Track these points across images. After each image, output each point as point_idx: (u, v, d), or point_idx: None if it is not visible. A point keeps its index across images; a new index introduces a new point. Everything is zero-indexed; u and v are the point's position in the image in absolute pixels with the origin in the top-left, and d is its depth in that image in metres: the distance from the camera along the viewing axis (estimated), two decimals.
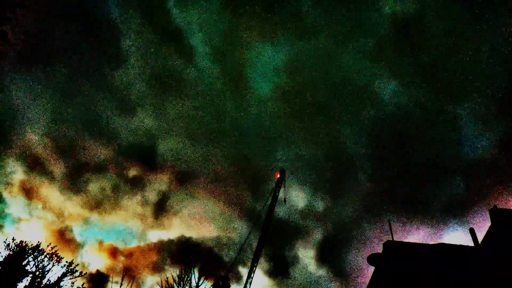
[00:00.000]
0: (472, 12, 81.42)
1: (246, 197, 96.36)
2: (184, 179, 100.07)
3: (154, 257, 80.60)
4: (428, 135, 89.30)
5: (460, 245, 19.65)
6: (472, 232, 19.84)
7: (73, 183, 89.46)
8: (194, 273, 36.17)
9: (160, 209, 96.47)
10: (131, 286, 31.58)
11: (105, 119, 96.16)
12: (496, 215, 18.99)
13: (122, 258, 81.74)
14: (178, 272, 36.81)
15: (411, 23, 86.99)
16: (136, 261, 80.00)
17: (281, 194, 46.97)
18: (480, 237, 20.16)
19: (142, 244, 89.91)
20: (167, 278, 33.86)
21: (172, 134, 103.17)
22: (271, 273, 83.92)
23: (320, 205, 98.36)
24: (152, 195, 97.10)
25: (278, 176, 47.58)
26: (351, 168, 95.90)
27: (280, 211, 52.63)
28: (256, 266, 44.87)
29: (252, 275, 44.37)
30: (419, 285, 18.52)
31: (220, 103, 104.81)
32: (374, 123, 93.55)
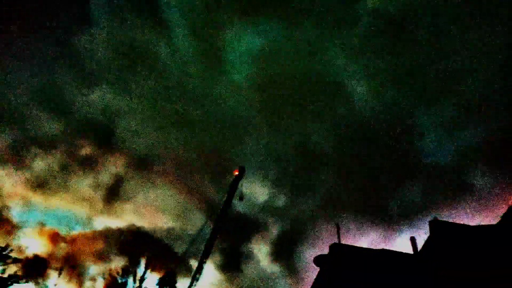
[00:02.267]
0: (455, 19, 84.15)
1: (206, 188, 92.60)
2: (142, 164, 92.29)
3: (99, 245, 76.45)
4: (394, 139, 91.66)
5: (401, 252, 20.71)
6: (413, 240, 20.95)
7: (16, 157, 79.48)
8: (140, 265, 35.27)
9: (112, 194, 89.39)
10: (71, 273, 30.12)
11: (60, 89, 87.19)
12: (435, 226, 20.15)
13: (63, 245, 76.27)
14: (124, 263, 35.74)
15: (394, 24, 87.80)
16: (79, 248, 75.41)
17: (238, 192, 46.96)
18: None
19: (87, 230, 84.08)
20: (110, 269, 32.65)
21: (134, 113, 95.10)
22: (223, 268, 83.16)
23: (280, 201, 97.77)
24: (104, 178, 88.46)
25: (237, 173, 47.54)
26: (315, 166, 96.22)
27: (239, 205, 52.09)
28: (205, 262, 44.53)
29: (200, 271, 43.97)
30: (364, 286, 19.23)
31: (191, 86, 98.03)
32: (344, 123, 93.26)
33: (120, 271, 34.38)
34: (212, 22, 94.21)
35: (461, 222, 20.69)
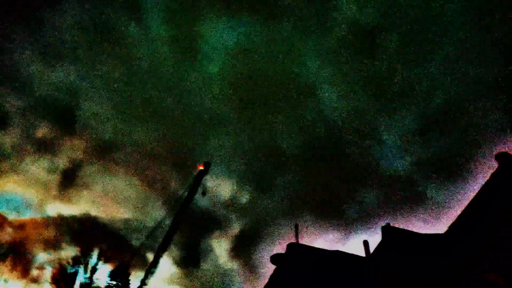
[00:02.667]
0: (426, 31, 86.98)
1: (169, 181, 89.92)
2: (103, 150, 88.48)
3: (50, 233, 72.59)
4: (356, 145, 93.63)
5: (354, 254, 21.55)
6: (366, 244, 21.84)
7: None
8: (91, 255, 34.12)
9: (68, 179, 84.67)
10: (17, 261, 28.58)
11: (20, 63, 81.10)
12: (387, 232, 21.14)
13: (10, 230, 71.56)
14: (76, 253, 34.47)
15: (367, 33, 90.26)
16: (27, 235, 71.19)
17: (201, 187, 46.71)
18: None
19: (38, 216, 79.13)
20: (59, 259, 31.31)
21: (99, 96, 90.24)
22: (181, 263, 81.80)
23: (244, 199, 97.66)
24: (61, 162, 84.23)
25: (202, 168, 47.25)
26: (280, 166, 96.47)
27: (202, 200, 51.33)
28: (162, 256, 43.87)
29: (156, 264, 43.24)
30: (316, 285, 19.82)
31: (162, 73, 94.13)
32: (311, 125, 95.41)
33: (71, 261, 33.03)
34: (190, 8, 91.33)
35: (413, 230, 21.81)
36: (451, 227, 17.98)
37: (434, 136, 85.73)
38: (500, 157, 15.20)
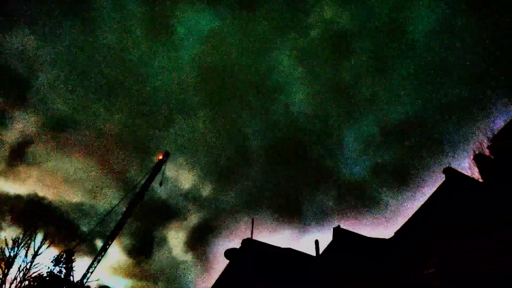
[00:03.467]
0: (397, 42, 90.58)
1: (126, 167, 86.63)
2: (58, 127, 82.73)
3: None
4: (321, 147, 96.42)
5: (305, 253, 22.26)
6: (317, 243, 22.64)
7: None
8: (35, 238, 32.34)
9: (16, 154, 78.92)
10: None
11: None
12: (338, 233, 22.11)
13: None
14: (18, 234, 32.49)
15: (341, 37, 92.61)
16: None
17: (159, 177, 45.82)
18: None
19: None
20: None
21: (58, 67, 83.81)
22: (132, 252, 79.41)
23: (204, 191, 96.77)
24: (10, 136, 78.05)
25: (161, 157, 46.31)
26: (244, 161, 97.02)
27: (159, 190, 49.88)
28: (111, 243, 42.51)
29: (104, 252, 41.84)
30: (267, 282, 20.23)
31: (131, 50, 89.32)
32: (278, 123, 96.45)
33: (11, 242, 31.08)
34: None
35: (363, 233, 22.93)
36: (397, 233, 19.15)
37: (391, 145, 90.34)
38: (446, 171, 16.42)
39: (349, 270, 19.63)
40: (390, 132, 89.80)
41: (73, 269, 34.69)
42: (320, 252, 23.02)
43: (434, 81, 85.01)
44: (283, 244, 23.80)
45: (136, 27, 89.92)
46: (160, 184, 46.00)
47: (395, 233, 19.49)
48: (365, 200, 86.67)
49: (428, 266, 15.71)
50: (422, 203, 17.33)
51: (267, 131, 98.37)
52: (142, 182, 44.95)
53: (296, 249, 23.58)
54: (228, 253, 22.86)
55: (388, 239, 20.78)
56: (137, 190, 44.93)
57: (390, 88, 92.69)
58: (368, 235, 22.98)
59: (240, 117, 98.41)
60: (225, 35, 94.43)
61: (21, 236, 32.40)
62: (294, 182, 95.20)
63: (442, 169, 16.55)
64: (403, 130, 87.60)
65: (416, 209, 18.02)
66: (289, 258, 21.55)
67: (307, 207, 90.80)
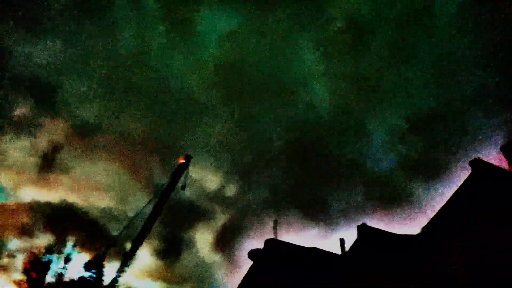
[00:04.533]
0: (422, 31, 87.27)
1: (151, 169, 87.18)
2: (84, 133, 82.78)
3: (23, 219, 70.20)
4: (345, 142, 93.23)
5: (330, 252, 21.98)
6: (342, 242, 22.30)
7: None
8: (66, 244, 33.46)
9: (45, 163, 79.36)
10: None
11: None
12: (363, 230, 21.66)
13: None
14: (50, 241, 33.70)
15: (363, 30, 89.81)
16: None
17: (182, 180, 46.32)
18: None
19: (10, 202, 75.84)
20: (31, 248, 30.53)
21: (81, 75, 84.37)
22: (162, 254, 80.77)
23: (229, 191, 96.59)
24: (38, 145, 78.17)
25: (183, 162, 46.80)
26: (267, 160, 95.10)
27: (182, 193, 50.02)
28: (139, 247, 43.37)
29: (133, 255, 42.76)
30: (291, 281, 20.13)
31: (152, 52, 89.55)
32: (300, 119, 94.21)
33: (44, 249, 32.28)
34: None
35: (391, 229, 22.39)
36: (424, 229, 18.57)
37: (417, 137, 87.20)
38: (473, 163, 15.75)
39: (375, 268, 19.23)
40: (416, 123, 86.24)
41: (104, 273, 35.74)
42: (346, 250, 22.69)
43: (460, 70, 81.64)
44: (308, 244, 23.59)
45: (156, 29, 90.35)
46: (183, 188, 46.45)
47: (422, 228, 18.92)
48: (392, 194, 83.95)
49: (456, 260, 15.15)
50: (449, 196, 16.72)
51: (289, 128, 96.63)
52: (165, 186, 45.60)
53: (321, 248, 23.33)
54: (252, 254, 22.90)
55: (415, 235, 20.21)
56: (161, 194, 45.62)
57: (415, 78, 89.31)
58: (396, 232, 22.44)
59: (261, 115, 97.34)
60: (244, 33, 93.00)
61: (53, 242, 33.48)
62: (318, 180, 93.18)
63: (469, 161, 15.89)
64: (429, 121, 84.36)
65: (443, 203, 17.43)
66: (314, 257, 21.34)
67: (332, 205, 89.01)
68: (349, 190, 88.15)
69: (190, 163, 48.47)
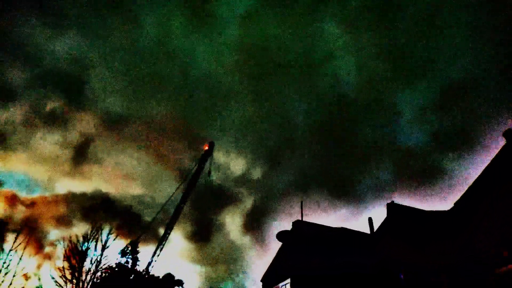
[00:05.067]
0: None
1: (180, 155, 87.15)
2: (114, 124, 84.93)
3: (61, 210, 73.61)
4: (374, 118, 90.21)
5: (358, 231, 21.78)
6: (370, 221, 22.03)
7: None
8: (102, 232, 34.78)
9: (78, 155, 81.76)
10: (30, 238, 29.27)
11: (25, 33, 75.76)
12: (392, 208, 21.30)
13: (22, 208, 72.50)
14: (87, 229, 35.14)
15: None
16: (39, 212, 72.31)
17: (207, 166, 47.05)
18: None
19: (48, 194, 79.29)
20: (70, 237, 32.00)
21: (109, 66, 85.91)
22: (193, 237, 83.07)
23: (256, 174, 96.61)
24: (70, 137, 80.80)
25: (207, 148, 47.39)
26: (293, 140, 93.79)
27: (209, 178, 50.69)
28: (170, 231, 44.76)
29: (166, 239, 44.18)
30: (320, 261, 20.19)
31: (174, 39, 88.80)
32: (326, 97, 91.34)
33: (82, 238, 33.76)
34: None
35: (427, 205, 21.90)
36: (456, 204, 17.98)
37: (450, 109, 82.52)
38: (508, 133, 14.98)
39: (405, 246, 18.93)
40: (448, 95, 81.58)
41: (138, 259, 37.12)
42: (375, 229, 22.44)
43: (492, 39, 76.40)
44: (337, 224, 23.48)
45: (176, 15, 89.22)
46: (209, 174, 47.20)
47: (454, 203, 18.34)
48: (424, 170, 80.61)
49: (492, 235, 14.62)
50: (483, 169, 16.05)
51: (315, 106, 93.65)
52: (193, 171, 46.45)
53: (350, 228, 23.17)
54: (280, 235, 23.08)
55: (446, 210, 19.65)
56: (189, 181, 46.54)
57: (446, 49, 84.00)
58: (427, 208, 21.93)
59: (285, 95, 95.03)
60: (264, 11, 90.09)
61: (89, 231, 34.93)
62: (347, 158, 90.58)
63: (503, 132, 15.11)
64: (461, 92, 79.73)
65: (476, 176, 16.77)
66: (342, 237, 21.25)
67: (361, 184, 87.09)
68: (378, 167, 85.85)
69: (214, 149, 49.13)
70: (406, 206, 22.04)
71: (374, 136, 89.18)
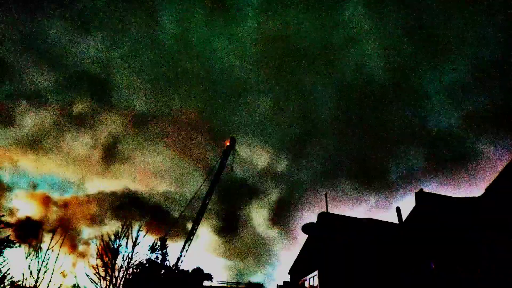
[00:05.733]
0: None
1: (205, 151, 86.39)
2: (139, 122, 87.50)
3: (92, 209, 76.43)
4: (402, 102, 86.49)
5: (386, 221, 21.35)
6: (398, 210, 21.52)
7: (4, 114, 73.76)
8: (132, 229, 35.71)
9: (106, 156, 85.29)
10: (64, 237, 30.37)
11: (51, 38, 77.88)
12: (421, 197, 20.71)
13: (55, 208, 75.57)
14: (118, 227, 36.15)
15: None
16: (72, 212, 75.26)
17: (229, 161, 47.37)
18: None
19: (79, 194, 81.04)
20: (102, 235, 32.96)
21: (132, 66, 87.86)
22: (220, 231, 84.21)
23: (280, 167, 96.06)
24: (99, 137, 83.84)
25: (228, 144, 47.67)
26: (317, 130, 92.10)
27: (233, 172, 50.70)
28: (197, 226, 45.56)
29: (191, 237, 45.02)
30: (348, 254, 19.96)
31: (193, 34, 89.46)
32: (349, 83, 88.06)
33: (112, 236, 34.78)
34: None
35: (452, 193, 21.20)
36: (488, 189, 17.26)
37: (482, 89, 77.53)
38: None
39: (434, 236, 18.41)
40: (479, 74, 76.81)
41: (167, 254, 38.02)
42: (404, 219, 21.91)
43: None
44: (364, 215, 23.10)
45: (195, 10, 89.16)
46: (231, 169, 47.56)
47: (485, 189, 17.61)
48: (456, 155, 76.56)
49: None
50: None
51: (339, 93, 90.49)
52: (216, 167, 46.92)
53: (377, 218, 22.75)
54: (305, 228, 22.97)
55: (478, 197, 18.93)
56: (212, 177, 47.07)
57: (477, 25, 78.55)
58: (457, 195, 21.20)
59: (307, 84, 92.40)
60: None
61: (120, 229, 35.79)
62: (374, 146, 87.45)
63: None
64: (495, 71, 74.78)
65: (509, 160, 16.02)
66: (369, 228, 20.90)
67: (391, 172, 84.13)
68: (408, 153, 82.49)
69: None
70: (435, 194, 21.38)
71: (402, 121, 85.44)
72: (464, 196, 21.46)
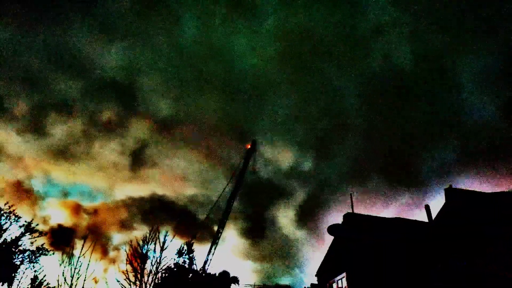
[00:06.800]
0: None
1: (230, 152, 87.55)
2: (165, 127, 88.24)
3: (122, 215, 78.19)
4: (433, 93, 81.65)
5: (415, 220, 20.81)
6: (427, 208, 20.94)
7: (35, 124, 75.89)
8: (159, 234, 36.30)
9: (133, 161, 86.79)
10: (95, 244, 31.20)
11: (77, 47, 79.42)
12: (451, 194, 20.07)
13: (86, 216, 77.89)
14: (146, 232, 36.82)
15: None
16: (102, 219, 77.41)
17: (251, 164, 47.58)
18: None
19: (108, 201, 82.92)
20: (131, 241, 33.66)
21: (157, 71, 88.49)
22: (247, 233, 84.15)
23: (305, 166, 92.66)
24: (126, 145, 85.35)
25: (249, 147, 47.90)
26: (344, 126, 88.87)
27: (256, 174, 50.29)
28: (221, 232, 45.93)
29: (217, 240, 45.41)
30: (376, 254, 19.56)
31: (214, 35, 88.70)
32: (376, 75, 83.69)
33: (141, 241, 35.48)
34: None
35: (485, 189, 20.46)
36: None
37: None
38: None
39: (466, 234, 17.77)
40: None
41: (194, 258, 38.43)
42: (433, 217, 21.29)
43: None
44: (395, 214, 22.57)
45: (215, 11, 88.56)
46: (254, 171, 47.75)
47: None
48: (494, 148, 70.88)
49: None
50: None
51: (366, 86, 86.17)
52: (238, 171, 47.19)
53: (406, 218, 22.21)
54: (331, 229, 22.66)
55: (510, 191, 18.18)
56: (237, 179, 47.31)
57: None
58: (489, 190, 20.40)
59: (332, 79, 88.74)
60: None
61: (148, 234, 36.40)
62: (405, 140, 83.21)
63: None
64: None
65: None
66: (397, 227, 20.40)
67: (422, 168, 79.84)
68: (441, 148, 78.28)
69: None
70: (465, 190, 20.66)
71: (434, 113, 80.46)
72: (495, 191, 20.65)
